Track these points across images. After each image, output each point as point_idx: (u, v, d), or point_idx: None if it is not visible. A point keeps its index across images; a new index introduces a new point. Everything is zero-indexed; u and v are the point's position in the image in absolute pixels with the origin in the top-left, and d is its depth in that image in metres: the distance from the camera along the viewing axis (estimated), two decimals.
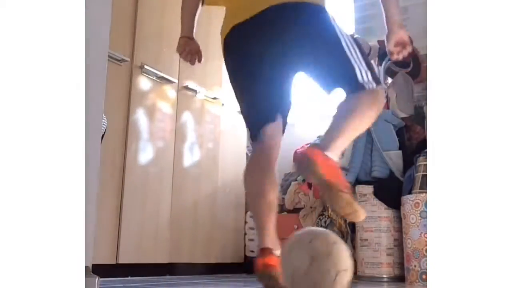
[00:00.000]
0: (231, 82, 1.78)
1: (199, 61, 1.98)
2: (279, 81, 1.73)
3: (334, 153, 1.47)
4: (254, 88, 1.71)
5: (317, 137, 3.57)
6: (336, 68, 1.61)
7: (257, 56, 1.67)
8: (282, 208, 3.53)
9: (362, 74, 1.57)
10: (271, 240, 1.63)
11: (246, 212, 3.60)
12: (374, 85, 1.58)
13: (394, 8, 1.76)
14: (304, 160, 1.42)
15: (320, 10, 1.66)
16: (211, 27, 3.28)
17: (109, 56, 2.39)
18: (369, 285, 2.61)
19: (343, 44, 1.60)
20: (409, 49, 1.78)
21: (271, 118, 1.70)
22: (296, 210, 3.40)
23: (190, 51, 1.95)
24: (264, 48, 1.66)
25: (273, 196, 1.65)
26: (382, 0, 1.76)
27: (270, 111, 1.72)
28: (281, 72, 1.71)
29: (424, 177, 2.65)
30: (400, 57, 1.79)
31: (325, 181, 1.38)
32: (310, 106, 4.13)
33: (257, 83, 1.70)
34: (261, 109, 1.72)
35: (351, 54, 1.60)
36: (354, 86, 1.56)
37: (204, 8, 1.95)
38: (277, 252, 1.59)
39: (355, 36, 3.60)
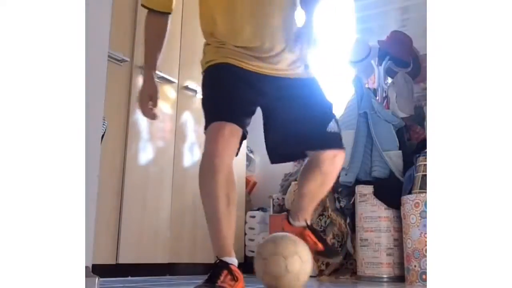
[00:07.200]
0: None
1: (155, 106, 1.80)
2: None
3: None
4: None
5: None
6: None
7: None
8: (282, 208, 3.53)
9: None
10: None
11: (246, 212, 3.60)
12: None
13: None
14: None
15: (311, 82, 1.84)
16: None
17: (109, 56, 2.38)
18: (369, 285, 2.61)
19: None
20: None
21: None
22: None
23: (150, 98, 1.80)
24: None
25: None
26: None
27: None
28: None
29: (424, 177, 2.65)
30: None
31: None
32: None
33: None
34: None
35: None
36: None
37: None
38: None
39: (356, 36, 3.60)
